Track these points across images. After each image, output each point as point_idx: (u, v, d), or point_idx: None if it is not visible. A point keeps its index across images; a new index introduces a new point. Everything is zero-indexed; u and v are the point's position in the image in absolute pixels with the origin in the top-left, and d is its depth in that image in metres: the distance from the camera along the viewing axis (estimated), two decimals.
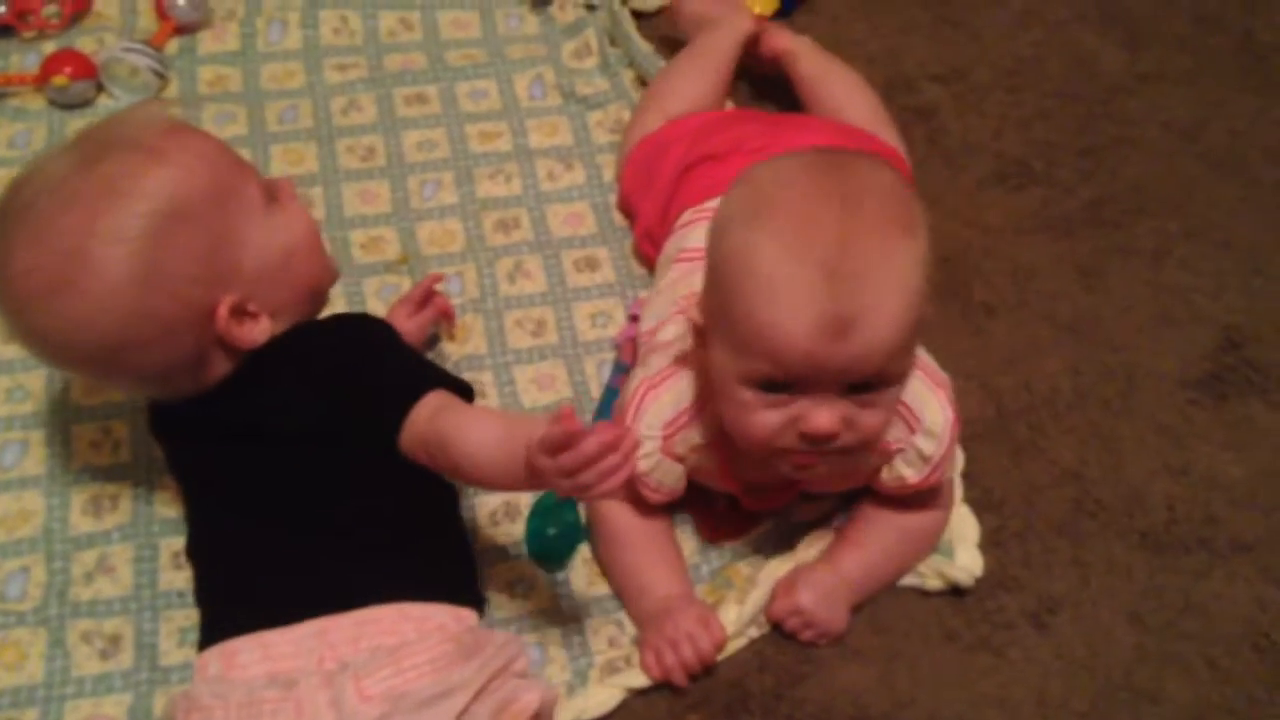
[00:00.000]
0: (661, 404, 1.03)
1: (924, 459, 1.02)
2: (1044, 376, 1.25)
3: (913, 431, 1.01)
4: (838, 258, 0.88)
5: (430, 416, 0.93)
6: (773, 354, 0.90)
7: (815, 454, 0.95)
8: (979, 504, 1.14)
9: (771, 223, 0.91)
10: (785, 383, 0.92)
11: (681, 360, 1.04)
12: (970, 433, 1.19)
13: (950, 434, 1.01)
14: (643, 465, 1.03)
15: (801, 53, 1.41)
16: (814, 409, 0.91)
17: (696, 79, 1.38)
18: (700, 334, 0.99)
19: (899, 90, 1.49)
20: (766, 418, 0.93)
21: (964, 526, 1.12)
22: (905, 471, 1.03)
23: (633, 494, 1.06)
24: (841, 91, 1.37)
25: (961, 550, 1.10)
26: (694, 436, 1.03)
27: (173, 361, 0.94)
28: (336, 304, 1.24)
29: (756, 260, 0.90)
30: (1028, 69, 1.55)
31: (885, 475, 1.04)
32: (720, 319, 0.94)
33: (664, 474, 1.05)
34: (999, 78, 1.53)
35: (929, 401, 1.01)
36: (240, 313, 0.95)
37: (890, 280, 0.89)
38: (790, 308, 0.89)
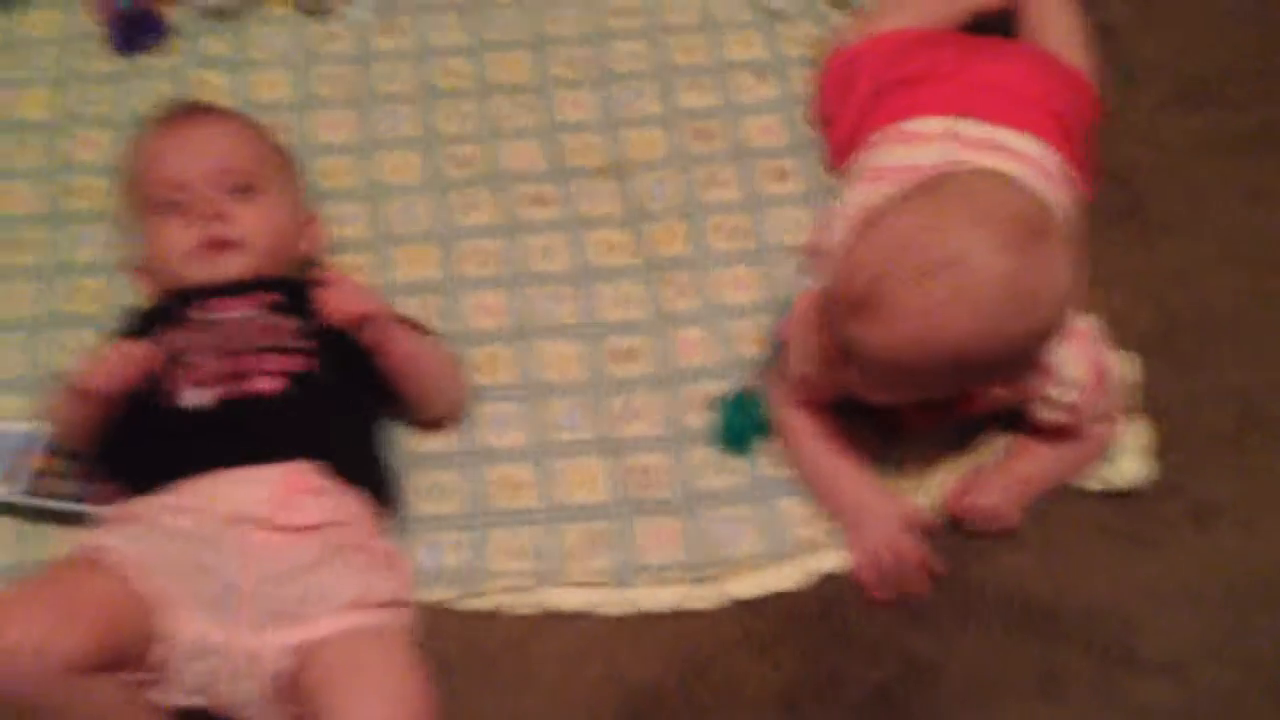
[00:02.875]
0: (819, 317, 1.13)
1: (1063, 405, 1.11)
2: (1216, 294, 1.31)
3: (1046, 379, 1.10)
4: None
5: None
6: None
7: None
8: (1144, 413, 1.22)
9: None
10: None
11: None
12: (1139, 345, 1.26)
13: (1093, 379, 1.10)
14: (803, 369, 1.14)
15: None
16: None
17: (920, 13, 1.42)
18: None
19: (1083, 6, 1.50)
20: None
21: (1129, 433, 1.20)
22: (1049, 415, 1.13)
23: (805, 397, 1.17)
24: (1047, 13, 1.42)
25: (1125, 456, 1.19)
26: None
27: None
28: (552, 205, 1.37)
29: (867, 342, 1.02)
30: None
31: (1035, 415, 1.14)
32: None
33: (824, 379, 1.14)
34: None
35: (1064, 355, 1.10)
36: None
37: None
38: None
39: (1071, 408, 1.11)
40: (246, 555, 1.03)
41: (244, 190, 1.21)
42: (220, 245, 1.18)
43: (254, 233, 1.20)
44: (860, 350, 1.03)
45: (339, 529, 1.07)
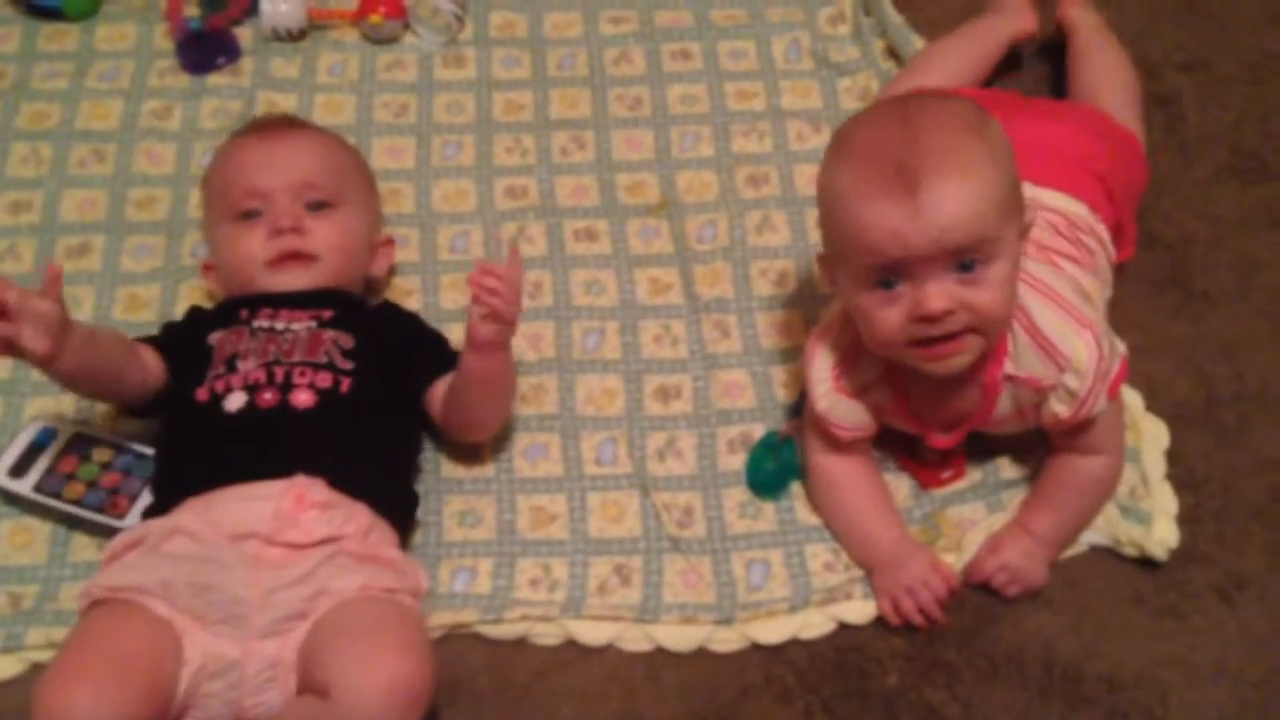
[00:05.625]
0: (826, 350, 1.16)
1: (1072, 395, 1.11)
2: (1258, 369, 1.30)
3: (1062, 370, 1.10)
4: (904, 151, 1.02)
5: None
6: (866, 243, 1.03)
7: (943, 343, 1.06)
8: (1180, 482, 1.22)
9: (846, 151, 1.07)
10: (892, 273, 1.04)
11: (841, 311, 1.15)
12: (1178, 415, 1.26)
13: (1097, 370, 1.09)
14: (822, 405, 1.16)
15: (1080, 27, 1.48)
16: (924, 291, 1.03)
17: (958, 58, 1.45)
18: (829, 270, 1.13)
19: (1141, 75, 1.50)
20: (888, 315, 1.06)
21: (1163, 501, 1.20)
22: (1058, 408, 1.12)
23: (833, 440, 1.18)
24: (1100, 73, 1.43)
25: (1159, 523, 1.19)
26: (864, 373, 1.15)
27: None
28: (602, 240, 1.39)
29: (838, 180, 1.06)
30: (1274, 63, 1.57)
31: (1044, 414, 1.13)
32: (830, 244, 1.10)
33: (845, 411, 1.16)
34: (1243, 70, 1.56)
35: (1074, 341, 1.10)
36: None
37: (955, 159, 1.02)
38: (867, 197, 1.03)
39: (1078, 399, 1.10)
40: (251, 569, 1.03)
41: (323, 206, 1.23)
42: (294, 258, 1.21)
43: (328, 248, 1.22)
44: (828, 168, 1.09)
45: (345, 542, 1.07)
